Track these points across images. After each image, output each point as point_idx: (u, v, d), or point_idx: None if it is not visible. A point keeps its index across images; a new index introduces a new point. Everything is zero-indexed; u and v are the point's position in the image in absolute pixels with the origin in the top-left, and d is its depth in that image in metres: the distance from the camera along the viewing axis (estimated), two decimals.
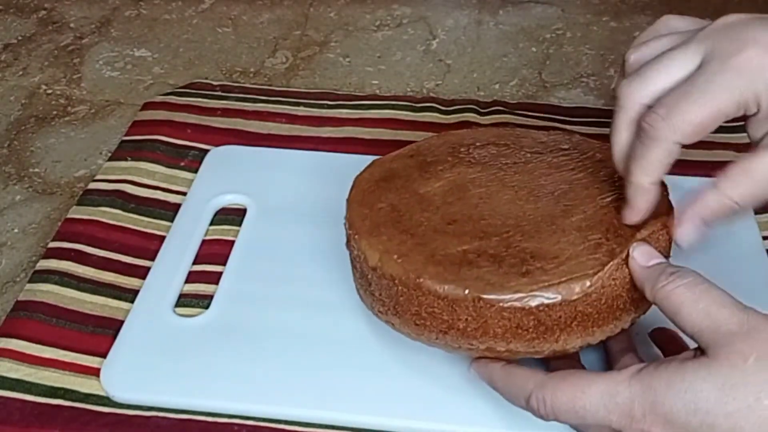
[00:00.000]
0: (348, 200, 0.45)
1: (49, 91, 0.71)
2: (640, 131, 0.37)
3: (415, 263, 0.39)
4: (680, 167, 0.57)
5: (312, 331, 0.47)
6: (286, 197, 0.55)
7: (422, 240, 0.41)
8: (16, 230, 0.57)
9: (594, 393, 0.33)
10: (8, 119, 0.68)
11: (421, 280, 0.38)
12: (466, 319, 0.38)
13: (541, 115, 0.64)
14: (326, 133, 0.62)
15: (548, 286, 0.37)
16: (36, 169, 0.62)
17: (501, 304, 0.37)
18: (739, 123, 0.64)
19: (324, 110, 0.65)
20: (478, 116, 0.64)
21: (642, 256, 0.38)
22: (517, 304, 0.37)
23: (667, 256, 0.41)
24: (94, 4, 0.82)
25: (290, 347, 0.46)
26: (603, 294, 0.38)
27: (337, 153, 0.59)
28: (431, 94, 0.69)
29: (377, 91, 0.69)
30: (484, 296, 0.37)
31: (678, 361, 0.32)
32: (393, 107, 0.65)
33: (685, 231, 0.40)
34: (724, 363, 0.31)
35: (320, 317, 0.47)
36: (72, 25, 0.79)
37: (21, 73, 0.73)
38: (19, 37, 0.78)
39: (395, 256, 0.40)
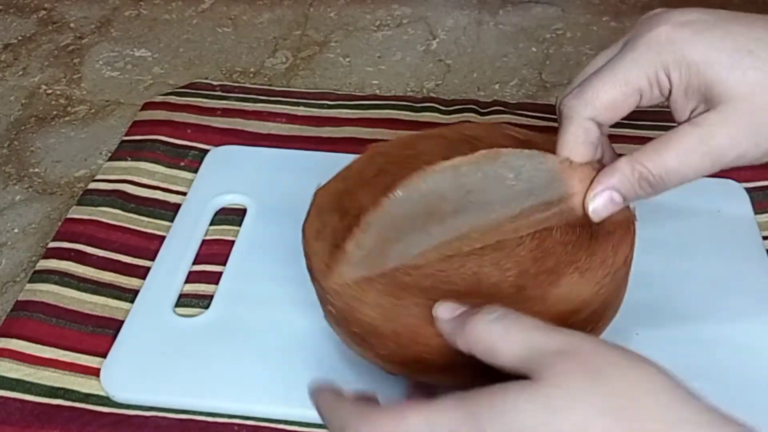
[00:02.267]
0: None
1: (49, 91, 0.71)
2: (559, 115, 0.38)
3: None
4: None
5: (312, 331, 0.47)
6: (286, 197, 0.55)
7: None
8: (16, 230, 0.57)
9: (414, 422, 0.30)
10: (8, 119, 0.68)
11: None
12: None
13: (541, 115, 0.64)
14: (326, 133, 0.62)
15: None
16: (36, 169, 0.62)
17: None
18: None
19: (324, 110, 0.65)
20: (478, 116, 0.64)
21: (444, 311, 0.35)
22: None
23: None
24: (94, 4, 0.82)
25: (290, 347, 0.46)
26: None
27: (337, 153, 0.59)
28: (431, 94, 0.69)
29: (377, 91, 0.69)
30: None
31: (502, 385, 0.30)
32: (393, 107, 0.65)
33: (598, 202, 0.38)
34: (547, 383, 0.29)
35: (320, 317, 0.47)
36: (72, 25, 0.79)
37: (21, 73, 0.73)
38: (19, 37, 0.78)
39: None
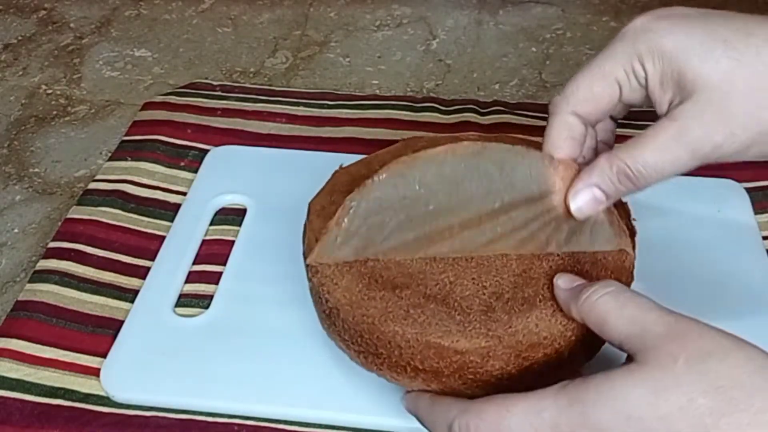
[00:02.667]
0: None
1: (49, 91, 0.71)
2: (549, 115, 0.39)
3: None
4: None
5: (312, 331, 0.46)
6: (286, 197, 0.55)
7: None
8: (16, 230, 0.57)
9: (519, 412, 0.31)
10: (8, 119, 0.68)
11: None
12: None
13: (541, 115, 0.64)
14: (326, 133, 0.62)
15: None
16: (36, 169, 0.62)
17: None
18: None
19: (324, 110, 0.65)
20: (478, 116, 0.64)
21: (564, 281, 0.37)
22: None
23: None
24: (94, 4, 0.82)
25: (290, 347, 0.46)
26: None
27: (337, 153, 0.59)
28: (431, 94, 0.69)
29: (377, 91, 0.69)
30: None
31: (605, 372, 0.31)
32: (393, 107, 0.65)
33: (580, 199, 0.38)
34: (653, 366, 0.30)
35: None
36: (72, 25, 0.79)
37: (21, 73, 0.73)
38: (19, 37, 0.78)
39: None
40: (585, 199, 0.38)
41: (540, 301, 0.38)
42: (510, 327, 0.37)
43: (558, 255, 0.40)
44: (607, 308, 0.33)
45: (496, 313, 0.38)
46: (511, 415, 0.32)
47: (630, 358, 0.32)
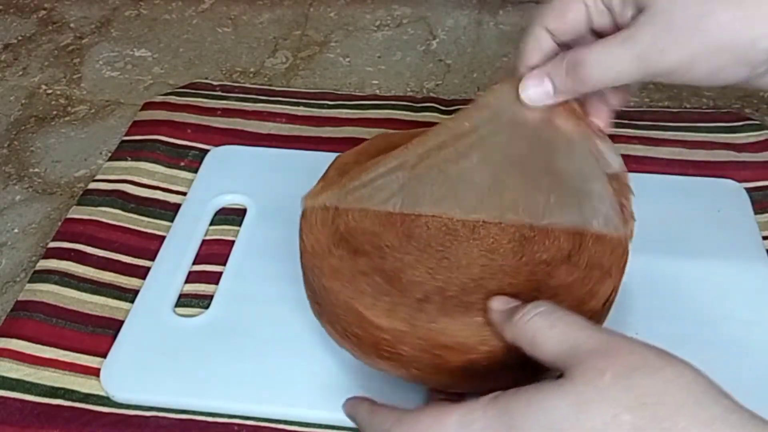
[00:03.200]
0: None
1: (49, 91, 0.71)
2: None
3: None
4: (680, 167, 0.58)
5: (312, 331, 0.47)
6: (286, 197, 0.55)
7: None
8: (16, 230, 0.57)
9: (450, 423, 0.31)
10: (8, 119, 0.68)
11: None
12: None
13: None
14: (326, 133, 0.62)
15: None
16: (36, 169, 0.62)
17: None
18: (737, 123, 0.65)
19: (324, 110, 0.65)
20: None
21: (498, 303, 0.37)
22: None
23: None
24: (94, 4, 0.82)
25: (290, 347, 0.46)
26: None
27: (337, 153, 0.59)
28: (431, 94, 0.69)
29: (377, 91, 0.69)
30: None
31: (535, 384, 0.31)
32: (393, 107, 0.65)
33: (530, 85, 0.41)
34: (579, 381, 0.30)
35: None
36: (72, 25, 0.79)
37: (21, 73, 0.73)
38: (19, 37, 0.78)
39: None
40: (535, 86, 0.41)
41: (477, 311, 0.38)
42: (432, 322, 0.38)
43: (527, 263, 0.41)
44: (536, 327, 0.33)
45: (430, 305, 0.38)
46: (443, 426, 0.32)
47: (561, 375, 0.32)
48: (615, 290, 0.40)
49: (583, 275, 0.40)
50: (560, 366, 0.31)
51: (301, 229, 0.43)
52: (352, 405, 0.38)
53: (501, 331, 0.36)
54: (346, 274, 0.40)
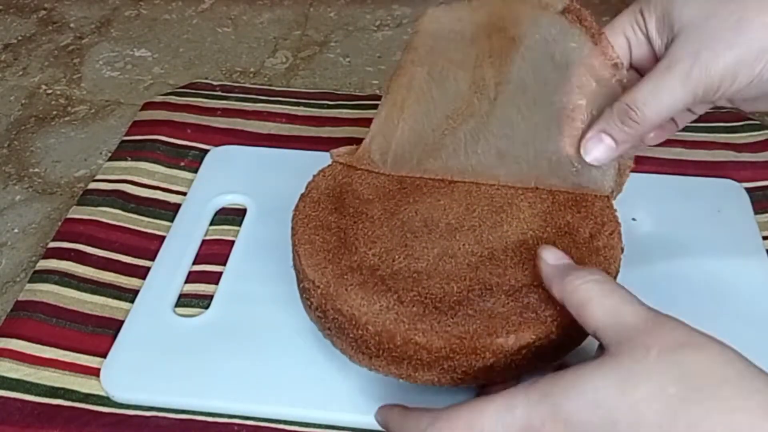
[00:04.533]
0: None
1: (49, 91, 0.71)
2: None
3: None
4: (680, 167, 0.58)
5: (312, 331, 0.47)
6: (286, 197, 0.55)
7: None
8: (16, 230, 0.57)
9: (491, 412, 0.32)
10: (8, 119, 0.68)
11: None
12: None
13: None
14: (326, 133, 0.62)
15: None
16: (36, 169, 0.63)
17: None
18: (737, 123, 0.65)
19: (324, 110, 0.65)
20: None
21: (550, 255, 0.38)
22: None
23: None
24: (94, 4, 0.82)
25: (290, 347, 0.46)
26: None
27: None
28: None
29: (377, 91, 0.69)
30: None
31: (576, 365, 0.31)
32: None
33: (590, 146, 0.42)
34: (626, 358, 0.30)
35: None
36: (72, 25, 0.79)
37: (21, 73, 0.73)
38: (19, 37, 0.78)
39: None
40: (595, 146, 0.42)
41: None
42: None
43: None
44: (590, 295, 0.34)
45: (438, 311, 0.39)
46: (483, 417, 0.32)
47: (602, 349, 0.32)
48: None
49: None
50: (602, 337, 0.32)
51: (302, 277, 0.43)
52: (383, 413, 0.38)
53: (549, 286, 0.37)
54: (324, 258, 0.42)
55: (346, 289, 0.40)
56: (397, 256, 0.42)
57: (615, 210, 0.44)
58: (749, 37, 0.37)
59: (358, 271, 0.41)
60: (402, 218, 0.44)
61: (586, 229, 0.43)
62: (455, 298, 0.40)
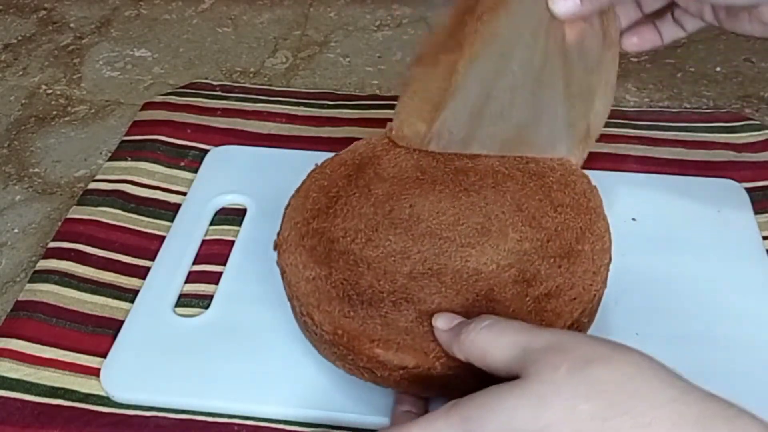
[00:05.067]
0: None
1: (49, 91, 0.71)
2: None
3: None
4: (680, 167, 0.58)
5: None
6: (286, 197, 0.55)
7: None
8: (16, 230, 0.57)
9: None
10: (8, 119, 0.68)
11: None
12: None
13: None
14: (326, 133, 0.62)
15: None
16: (36, 169, 0.62)
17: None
18: (737, 123, 0.65)
19: (324, 110, 0.65)
20: None
21: (443, 322, 0.38)
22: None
23: None
24: (94, 4, 0.82)
25: (291, 347, 0.46)
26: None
27: (337, 153, 0.59)
28: None
29: (377, 91, 0.69)
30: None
31: (492, 387, 0.31)
32: (393, 107, 0.65)
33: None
34: (535, 378, 0.30)
35: None
36: (72, 25, 0.79)
37: (21, 73, 0.73)
38: (19, 37, 0.78)
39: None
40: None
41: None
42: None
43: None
44: (486, 340, 0.34)
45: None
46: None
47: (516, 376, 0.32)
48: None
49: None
50: (515, 370, 0.31)
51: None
52: None
53: (451, 352, 0.36)
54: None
55: (296, 249, 0.43)
56: (358, 237, 0.43)
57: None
58: None
59: (317, 236, 0.43)
60: (394, 206, 0.45)
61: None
62: (372, 296, 0.40)
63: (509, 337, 0.33)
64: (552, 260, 0.42)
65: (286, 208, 0.46)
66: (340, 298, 0.41)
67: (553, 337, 0.32)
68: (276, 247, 0.44)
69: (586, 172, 0.47)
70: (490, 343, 0.33)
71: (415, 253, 0.43)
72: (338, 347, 0.40)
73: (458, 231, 0.44)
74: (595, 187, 0.46)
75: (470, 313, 0.39)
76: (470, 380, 0.35)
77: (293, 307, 0.43)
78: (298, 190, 0.47)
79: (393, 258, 0.43)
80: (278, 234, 0.45)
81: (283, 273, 0.43)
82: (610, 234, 0.43)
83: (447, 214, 0.45)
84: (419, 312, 0.40)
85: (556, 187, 0.46)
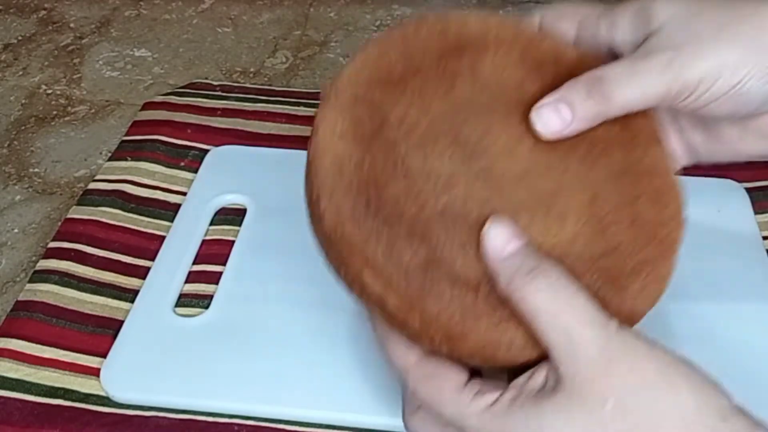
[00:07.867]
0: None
1: (49, 91, 0.71)
2: None
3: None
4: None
5: (312, 331, 0.47)
6: (286, 197, 0.55)
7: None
8: (16, 230, 0.57)
9: (449, 406, 0.32)
10: (8, 119, 0.68)
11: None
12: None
13: None
14: None
15: None
16: (36, 169, 0.63)
17: None
18: None
19: None
20: None
21: (498, 237, 0.32)
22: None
23: None
24: (94, 4, 0.82)
25: (290, 347, 0.46)
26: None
27: None
28: None
29: None
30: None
31: (533, 397, 0.30)
32: None
33: (544, 113, 0.35)
34: (582, 408, 0.29)
35: (321, 317, 0.47)
36: (72, 25, 0.79)
37: (21, 73, 0.73)
38: (19, 37, 0.78)
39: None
40: (550, 114, 0.35)
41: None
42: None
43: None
44: (541, 307, 0.30)
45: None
46: (442, 405, 0.32)
47: (555, 371, 0.30)
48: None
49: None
50: (556, 360, 0.30)
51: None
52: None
53: (495, 278, 0.32)
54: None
55: (343, 110, 0.35)
56: (413, 134, 0.35)
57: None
58: (736, 40, 0.34)
59: (371, 108, 0.35)
60: (469, 117, 0.36)
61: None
62: (391, 211, 0.33)
63: (567, 321, 0.30)
64: (593, 278, 0.34)
65: (358, 53, 0.36)
66: (357, 193, 0.33)
67: (608, 345, 0.30)
68: (323, 92, 0.35)
69: None
70: (545, 312, 0.30)
71: (461, 188, 0.34)
72: (332, 247, 0.33)
73: (518, 186, 0.35)
74: (684, 219, 0.37)
75: (482, 287, 0.32)
76: (440, 347, 0.32)
77: (307, 184, 0.36)
78: (378, 42, 0.36)
79: (435, 181, 0.34)
80: (332, 80, 0.35)
81: (314, 131, 0.35)
82: (668, 281, 0.37)
83: (518, 161, 0.36)
84: (428, 260, 0.32)
85: (645, 198, 0.36)
